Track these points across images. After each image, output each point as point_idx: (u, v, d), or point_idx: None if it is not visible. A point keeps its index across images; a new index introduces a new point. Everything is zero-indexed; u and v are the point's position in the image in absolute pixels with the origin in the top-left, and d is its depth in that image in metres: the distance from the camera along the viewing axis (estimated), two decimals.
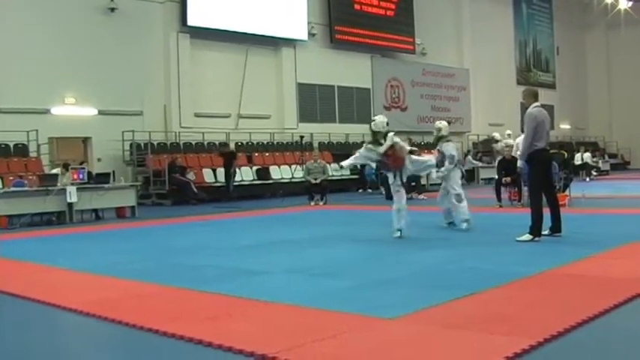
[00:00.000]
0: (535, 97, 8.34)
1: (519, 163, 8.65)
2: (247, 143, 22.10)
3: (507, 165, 13.60)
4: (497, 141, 18.14)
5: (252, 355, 3.62)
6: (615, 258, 6.72)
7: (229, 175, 18.91)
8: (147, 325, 4.33)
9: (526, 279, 5.53)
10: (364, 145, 9.29)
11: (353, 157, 9.59)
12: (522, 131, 8.56)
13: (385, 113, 26.25)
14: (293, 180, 19.89)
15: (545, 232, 8.06)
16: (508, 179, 13.22)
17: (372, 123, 8.96)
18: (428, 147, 20.72)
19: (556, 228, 8.18)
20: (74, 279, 6.53)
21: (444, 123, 10.20)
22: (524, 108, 8.52)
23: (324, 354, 3.65)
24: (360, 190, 21.31)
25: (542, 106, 8.48)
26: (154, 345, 4.04)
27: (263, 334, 4.09)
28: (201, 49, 21.03)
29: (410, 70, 28.37)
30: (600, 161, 30.13)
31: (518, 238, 7.94)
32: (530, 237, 7.89)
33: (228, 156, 18.99)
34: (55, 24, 17.95)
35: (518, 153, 9.65)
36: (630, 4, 34.53)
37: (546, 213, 8.07)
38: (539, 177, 8.15)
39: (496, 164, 14.64)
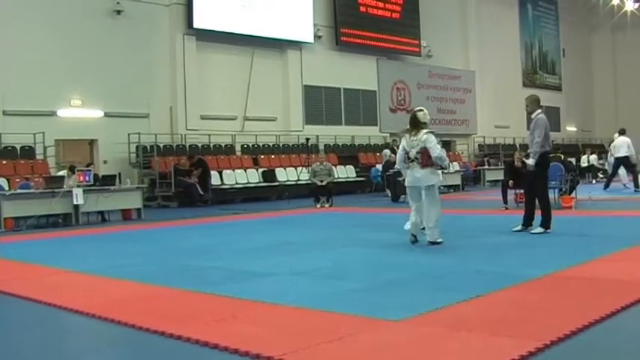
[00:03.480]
0: (539, 104, 8.99)
1: (530, 161, 8.90)
2: (253, 145, 22.13)
3: (514, 169, 13.58)
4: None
5: (258, 357, 3.61)
6: (622, 260, 6.68)
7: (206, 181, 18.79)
8: (152, 327, 4.32)
9: (532, 281, 5.51)
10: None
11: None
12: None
13: (391, 116, 26.38)
14: (299, 182, 19.89)
15: (518, 227, 9.00)
16: (511, 183, 13.22)
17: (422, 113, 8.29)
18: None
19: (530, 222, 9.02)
20: (80, 281, 6.53)
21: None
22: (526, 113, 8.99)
23: (330, 356, 3.65)
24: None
25: (548, 108, 8.92)
26: (160, 347, 4.04)
27: (269, 336, 4.09)
28: (207, 52, 21.06)
29: (416, 73, 28.35)
30: (607, 163, 29.95)
31: (532, 231, 8.78)
32: (543, 229, 8.69)
33: (204, 163, 18.84)
34: (61, 26, 18.02)
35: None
36: (636, 5, 34.42)
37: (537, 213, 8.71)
38: (544, 177, 8.98)
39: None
